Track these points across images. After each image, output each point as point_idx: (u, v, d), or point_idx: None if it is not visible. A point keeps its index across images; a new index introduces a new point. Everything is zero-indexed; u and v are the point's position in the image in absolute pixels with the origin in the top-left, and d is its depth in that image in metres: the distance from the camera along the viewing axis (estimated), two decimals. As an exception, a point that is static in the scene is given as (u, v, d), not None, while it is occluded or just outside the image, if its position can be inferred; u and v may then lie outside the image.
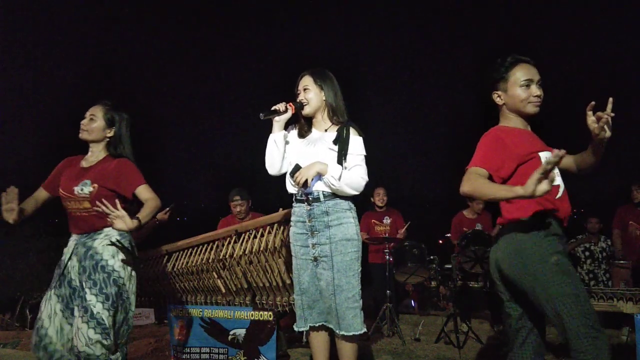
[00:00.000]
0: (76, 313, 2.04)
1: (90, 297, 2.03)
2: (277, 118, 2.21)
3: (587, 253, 4.71)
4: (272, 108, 2.19)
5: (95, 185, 2.13)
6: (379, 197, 4.85)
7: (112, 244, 2.11)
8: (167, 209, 3.80)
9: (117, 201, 2.03)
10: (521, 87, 1.72)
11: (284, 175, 2.33)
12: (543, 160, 1.66)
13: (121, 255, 2.12)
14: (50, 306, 2.09)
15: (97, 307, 2.02)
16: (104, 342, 2.00)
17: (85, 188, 2.14)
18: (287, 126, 2.30)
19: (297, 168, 2.15)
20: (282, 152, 2.26)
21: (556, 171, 1.62)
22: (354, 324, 2.12)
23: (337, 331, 2.15)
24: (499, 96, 1.80)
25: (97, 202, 2.01)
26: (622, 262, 4.40)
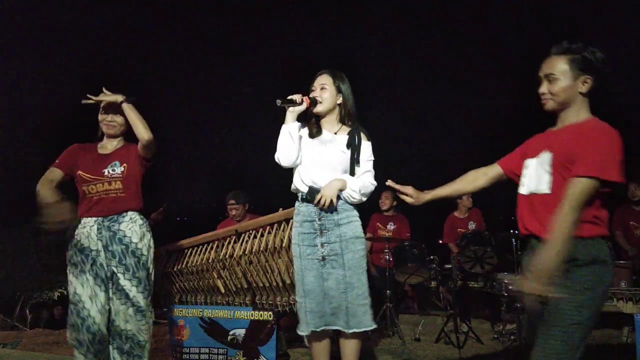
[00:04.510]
0: (112, 296, 2.17)
1: (124, 282, 2.15)
2: (291, 108, 2.18)
3: None
4: (289, 97, 2.17)
5: (125, 165, 2.28)
6: (381, 201, 4.84)
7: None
8: (160, 209, 3.78)
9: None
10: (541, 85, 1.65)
11: (287, 173, 2.32)
12: (525, 166, 1.64)
13: (147, 238, 2.27)
14: (89, 288, 2.15)
15: (133, 291, 2.15)
16: (141, 322, 2.16)
17: (116, 169, 2.26)
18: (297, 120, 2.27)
19: (313, 191, 2.14)
20: (297, 143, 2.20)
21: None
22: (365, 320, 2.13)
23: (347, 330, 2.13)
24: None
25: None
26: (622, 262, 4.38)
